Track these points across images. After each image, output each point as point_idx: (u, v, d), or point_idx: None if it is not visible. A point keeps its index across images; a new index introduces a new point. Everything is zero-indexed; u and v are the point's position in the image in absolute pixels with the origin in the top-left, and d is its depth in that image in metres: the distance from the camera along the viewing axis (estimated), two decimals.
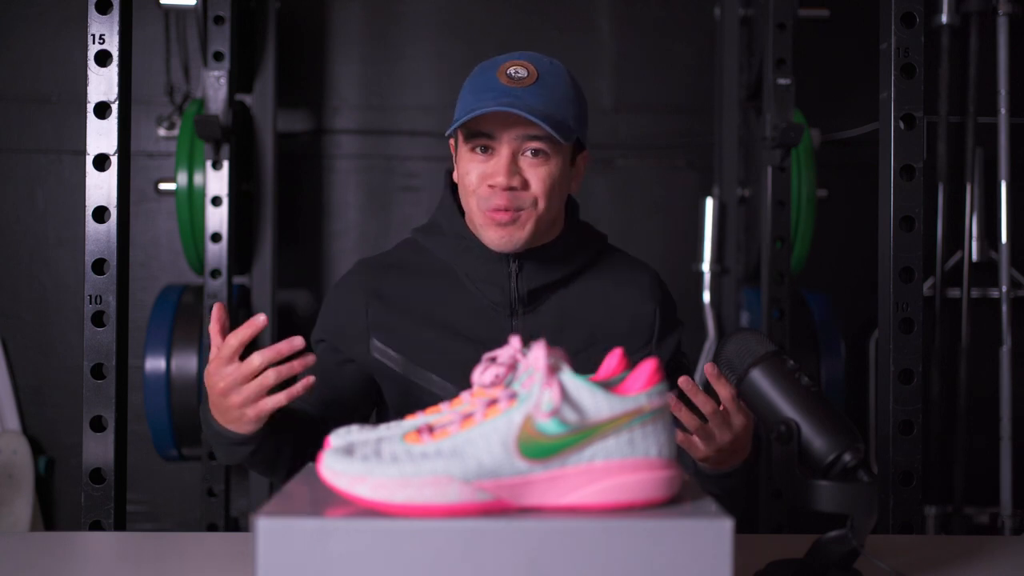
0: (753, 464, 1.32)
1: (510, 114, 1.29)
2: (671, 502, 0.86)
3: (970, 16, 2.84)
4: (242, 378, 1.15)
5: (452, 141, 1.42)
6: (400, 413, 1.35)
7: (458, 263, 1.41)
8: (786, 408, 0.96)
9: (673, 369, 1.43)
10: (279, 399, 1.15)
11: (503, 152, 1.31)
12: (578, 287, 1.42)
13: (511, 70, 1.31)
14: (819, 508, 0.93)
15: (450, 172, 1.45)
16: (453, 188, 1.44)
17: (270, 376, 1.14)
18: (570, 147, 1.38)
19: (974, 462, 2.89)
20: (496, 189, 1.32)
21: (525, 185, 1.32)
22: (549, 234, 1.40)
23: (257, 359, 1.13)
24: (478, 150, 1.33)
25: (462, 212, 1.42)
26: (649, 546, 0.79)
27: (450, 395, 1.32)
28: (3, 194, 2.99)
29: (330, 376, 1.39)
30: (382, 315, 1.39)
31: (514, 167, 1.31)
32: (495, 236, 1.34)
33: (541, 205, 1.33)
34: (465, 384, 1.30)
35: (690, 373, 1.41)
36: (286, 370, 1.14)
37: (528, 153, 1.32)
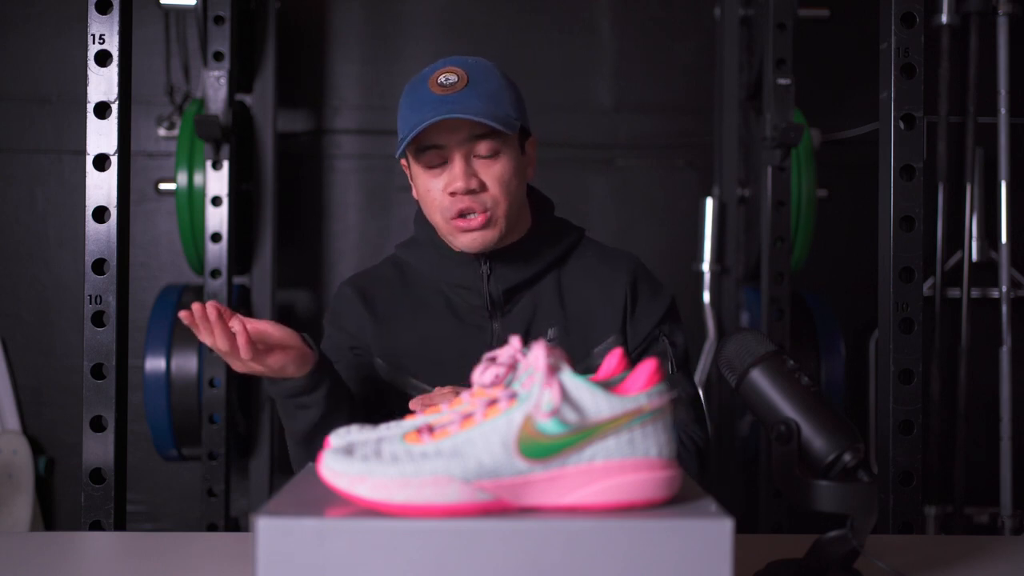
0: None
1: (453, 121, 1.31)
2: (671, 502, 0.86)
3: (970, 16, 2.85)
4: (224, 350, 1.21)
5: (404, 162, 1.43)
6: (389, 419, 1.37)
7: (435, 271, 1.44)
8: (786, 408, 0.96)
9: (648, 345, 1.43)
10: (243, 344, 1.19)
11: (456, 159, 1.34)
12: (553, 280, 1.44)
13: (441, 78, 1.33)
14: (819, 508, 0.93)
15: None
16: None
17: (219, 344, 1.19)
18: (517, 137, 1.39)
19: (974, 462, 2.89)
20: (458, 196, 1.34)
21: (483, 187, 1.35)
22: (518, 230, 1.43)
23: (208, 339, 1.19)
24: (432, 165, 1.35)
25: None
26: (649, 546, 0.79)
27: None
28: (3, 194, 3.00)
29: (375, 375, 1.43)
30: (372, 323, 1.43)
31: (469, 170, 1.34)
32: (467, 240, 1.37)
33: (503, 202, 1.36)
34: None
35: (668, 355, 1.42)
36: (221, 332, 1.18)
37: (480, 155, 1.35)
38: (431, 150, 1.34)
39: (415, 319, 1.43)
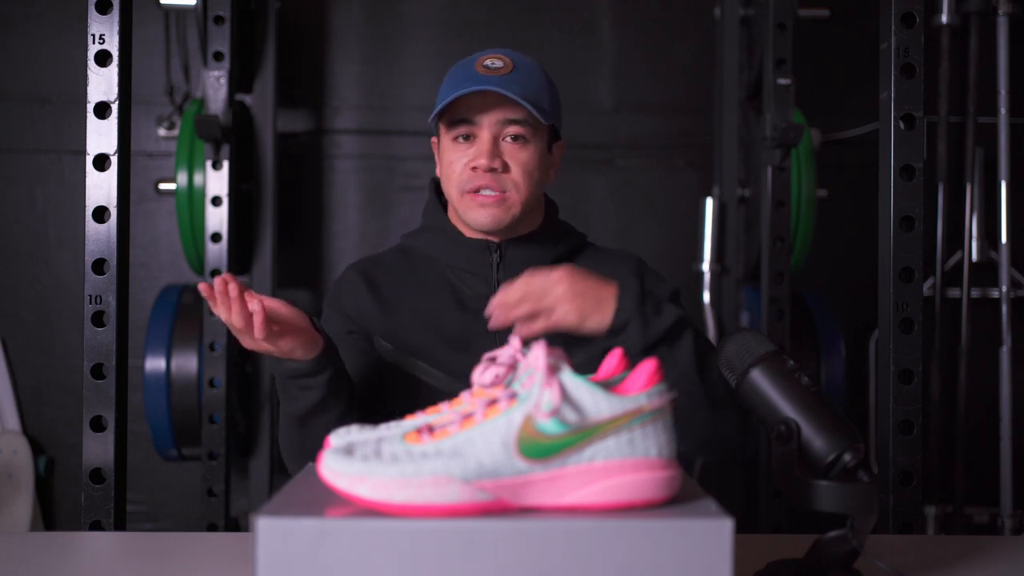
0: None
1: (490, 99, 1.35)
2: (671, 502, 0.86)
3: (970, 16, 2.84)
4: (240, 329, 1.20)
5: (435, 139, 1.48)
6: (393, 401, 1.39)
7: (444, 256, 1.45)
8: (786, 408, 0.96)
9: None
10: (258, 312, 1.19)
11: (484, 136, 1.37)
12: None
13: (487, 61, 1.38)
14: (819, 508, 0.93)
15: (434, 178, 1.52)
16: (436, 190, 1.51)
17: (235, 320, 1.18)
18: (547, 134, 1.43)
19: (974, 462, 2.89)
20: (479, 171, 1.37)
21: (506, 168, 1.38)
22: (530, 222, 1.45)
23: (224, 314, 1.18)
24: (460, 139, 1.39)
25: (445, 209, 1.48)
26: (649, 546, 0.79)
27: (439, 381, 1.37)
28: (3, 194, 3.00)
29: (374, 359, 1.43)
30: (376, 306, 1.43)
31: (495, 150, 1.37)
32: (478, 215, 1.39)
33: (523, 188, 1.39)
34: (453, 372, 1.33)
35: (688, 321, 1.41)
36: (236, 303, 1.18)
37: (508, 138, 1.38)
38: (463, 123, 1.38)
39: (419, 301, 1.43)
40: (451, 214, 1.47)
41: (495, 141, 1.37)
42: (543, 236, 1.46)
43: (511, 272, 1.41)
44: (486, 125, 1.37)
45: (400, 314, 1.42)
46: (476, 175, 1.37)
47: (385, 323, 1.42)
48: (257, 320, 1.18)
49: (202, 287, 1.17)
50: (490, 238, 1.43)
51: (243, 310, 1.17)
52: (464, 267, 1.43)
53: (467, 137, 1.38)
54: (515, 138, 1.38)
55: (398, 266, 1.48)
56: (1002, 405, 2.84)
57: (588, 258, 1.49)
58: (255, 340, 1.20)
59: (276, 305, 1.22)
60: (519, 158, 1.38)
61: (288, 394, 1.32)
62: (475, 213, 1.39)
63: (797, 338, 2.66)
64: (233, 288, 1.17)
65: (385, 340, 1.42)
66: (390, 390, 1.42)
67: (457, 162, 1.39)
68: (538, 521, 0.81)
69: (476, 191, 1.38)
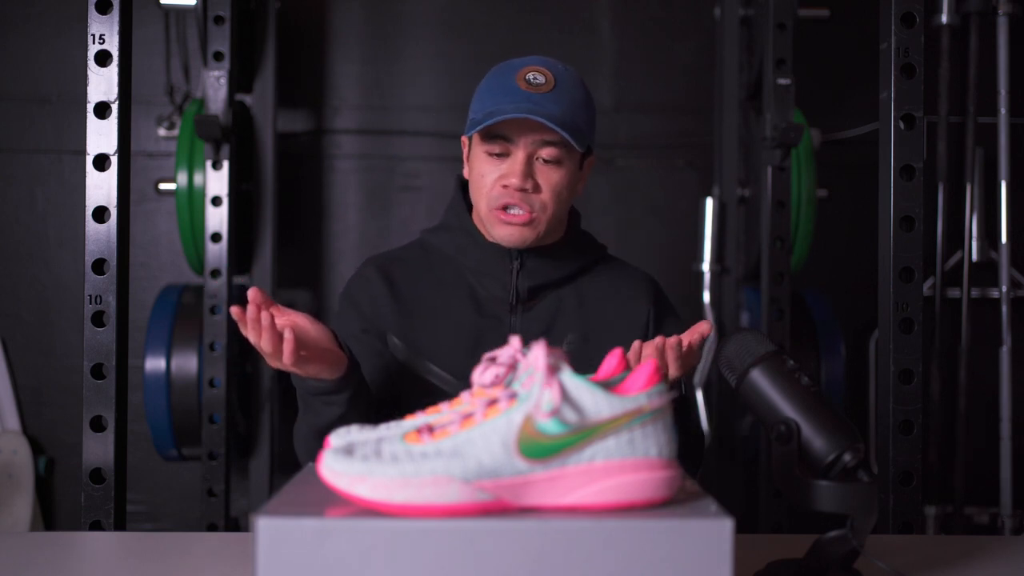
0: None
1: (528, 120, 1.33)
2: (671, 502, 0.86)
3: (970, 16, 2.84)
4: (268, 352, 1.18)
5: (464, 139, 1.46)
6: (402, 399, 1.39)
7: (463, 257, 1.45)
8: (786, 408, 0.96)
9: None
10: (288, 338, 1.16)
11: (519, 156, 1.36)
12: (576, 287, 1.47)
13: (530, 75, 1.36)
14: (819, 508, 0.93)
15: (460, 176, 1.51)
16: (462, 188, 1.50)
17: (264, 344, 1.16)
18: (579, 153, 1.42)
19: (974, 462, 2.89)
20: (509, 189, 1.37)
21: (537, 188, 1.38)
22: (553, 235, 1.45)
23: (253, 338, 1.16)
24: (494, 153, 1.38)
25: (470, 209, 1.47)
26: (649, 546, 0.79)
27: (448, 385, 1.37)
28: (3, 194, 3.00)
29: (387, 360, 1.42)
30: (392, 303, 1.43)
31: (528, 170, 1.37)
32: (505, 233, 1.39)
33: (550, 208, 1.39)
34: (463, 376, 1.34)
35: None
36: (268, 324, 1.15)
37: (542, 159, 1.37)
38: (498, 140, 1.37)
39: (436, 301, 1.44)
40: (475, 216, 1.46)
41: (529, 160, 1.37)
42: (565, 248, 1.47)
43: (529, 280, 1.43)
44: (522, 145, 1.36)
45: (416, 312, 1.43)
46: (506, 192, 1.37)
47: (400, 321, 1.42)
48: (287, 349, 1.16)
49: (234, 311, 1.15)
50: None
51: (273, 337, 1.16)
52: (483, 270, 1.44)
53: (501, 152, 1.37)
54: (549, 159, 1.37)
55: (417, 263, 1.48)
56: (1002, 405, 2.84)
57: (606, 272, 1.50)
58: (282, 363, 1.19)
59: (304, 323, 1.22)
60: (551, 179, 1.38)
61: (310, 408, 1.31)
62: (500, 230, 1.39)
63: (797, 338, 2.66)
64: (265, 317, 1.15)
65: (398, 338, 1.41)
66: (401, 392, 1.42)
67: (488, 175, 1.38)
68: (538, 521, 0.81)
69: (504, 208, 1.38)
